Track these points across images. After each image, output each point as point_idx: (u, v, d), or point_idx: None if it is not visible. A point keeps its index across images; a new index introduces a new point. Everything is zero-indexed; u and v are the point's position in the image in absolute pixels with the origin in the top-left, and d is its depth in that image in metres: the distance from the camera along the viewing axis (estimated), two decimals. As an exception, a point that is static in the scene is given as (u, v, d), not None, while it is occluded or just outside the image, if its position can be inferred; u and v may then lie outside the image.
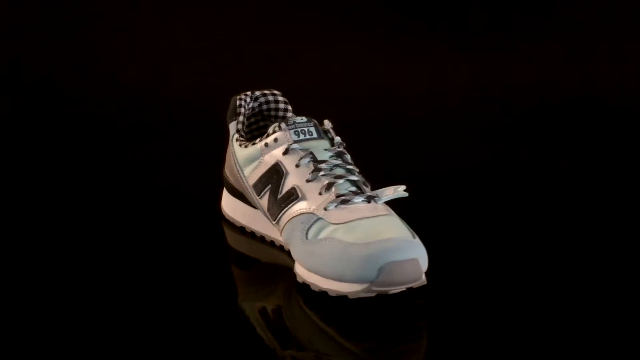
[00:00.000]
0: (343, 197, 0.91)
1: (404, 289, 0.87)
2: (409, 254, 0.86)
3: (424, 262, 0.88)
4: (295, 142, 0.95)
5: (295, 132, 0.95)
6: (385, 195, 0.92)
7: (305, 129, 0.96)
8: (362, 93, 1.33)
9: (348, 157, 0.95)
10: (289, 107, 1.03)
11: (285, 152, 0.95)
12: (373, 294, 0.87)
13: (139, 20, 1.61)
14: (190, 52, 1.50)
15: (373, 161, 1.13)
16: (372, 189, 0.95)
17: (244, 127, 1.02)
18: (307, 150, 0.94)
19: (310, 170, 0.93)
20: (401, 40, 1.53)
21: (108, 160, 1.17)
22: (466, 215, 1.06)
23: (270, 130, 0.97)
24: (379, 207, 0.91)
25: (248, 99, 1.03)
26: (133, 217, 1.05)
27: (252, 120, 1.05)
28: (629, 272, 0.95)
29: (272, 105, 1.04)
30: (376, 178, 1.10)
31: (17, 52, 1.50)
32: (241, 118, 1.02)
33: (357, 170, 0.95)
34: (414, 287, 0.87)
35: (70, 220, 1.04)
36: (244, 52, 1.50)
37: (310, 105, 1.04)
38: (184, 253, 0.98)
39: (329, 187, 0.92)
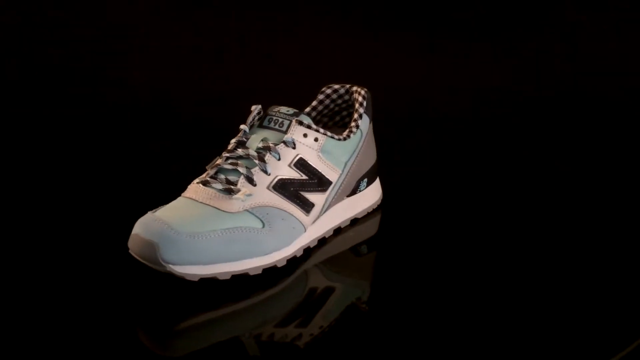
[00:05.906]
0: (207, 179, 0.93)
1: (166, 270, 0.86)
2: (143, 233, 0.87)
3: (165, 250, 0.86)
4: (253, 126, 0.96)
5: (269, 118, 0.96)
6: (241, 194, 0.92)
7: (279, 119, 0.96)
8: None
9: (275, 155, 0.94)
10: (361, 109, 1.03)
11: (238, 132, 0.98)
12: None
13: (140, 20, 1.61)
14: (191, 52, 1.50)
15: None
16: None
17: (311, 112, 1.04)
18: (249, 135, 0.96)
19: (226, 149, 0.96)
20: (400, 39, 1.54)
21: (110, 161, 1.18)
22: (463, 214, 1.06)
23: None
24: (231, 202, 0.90)
25: (342, 90, 1.05)
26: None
27: (345, 113, 1.06)
28: (630, 275, 0.96)
29: (355, 103, 1.05)
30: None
31: (18, 53, 1.50)
32: (314, 103, 1.05)
33: (271, 168, 0.93)
34: (174, 272, 0.86)
35: (73, 221, 1.04)
36: (244, 52, 1.50)
37: (308, 103, 1.05)
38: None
39: (213, 167, 0.94)
